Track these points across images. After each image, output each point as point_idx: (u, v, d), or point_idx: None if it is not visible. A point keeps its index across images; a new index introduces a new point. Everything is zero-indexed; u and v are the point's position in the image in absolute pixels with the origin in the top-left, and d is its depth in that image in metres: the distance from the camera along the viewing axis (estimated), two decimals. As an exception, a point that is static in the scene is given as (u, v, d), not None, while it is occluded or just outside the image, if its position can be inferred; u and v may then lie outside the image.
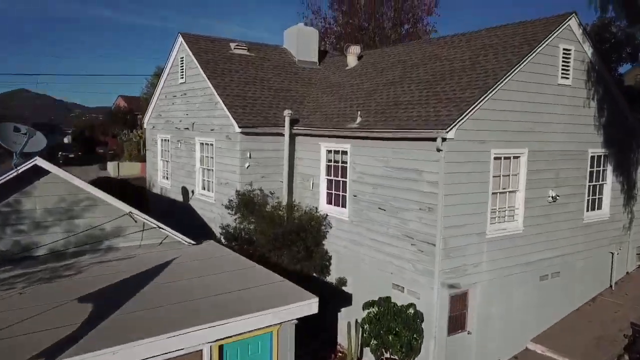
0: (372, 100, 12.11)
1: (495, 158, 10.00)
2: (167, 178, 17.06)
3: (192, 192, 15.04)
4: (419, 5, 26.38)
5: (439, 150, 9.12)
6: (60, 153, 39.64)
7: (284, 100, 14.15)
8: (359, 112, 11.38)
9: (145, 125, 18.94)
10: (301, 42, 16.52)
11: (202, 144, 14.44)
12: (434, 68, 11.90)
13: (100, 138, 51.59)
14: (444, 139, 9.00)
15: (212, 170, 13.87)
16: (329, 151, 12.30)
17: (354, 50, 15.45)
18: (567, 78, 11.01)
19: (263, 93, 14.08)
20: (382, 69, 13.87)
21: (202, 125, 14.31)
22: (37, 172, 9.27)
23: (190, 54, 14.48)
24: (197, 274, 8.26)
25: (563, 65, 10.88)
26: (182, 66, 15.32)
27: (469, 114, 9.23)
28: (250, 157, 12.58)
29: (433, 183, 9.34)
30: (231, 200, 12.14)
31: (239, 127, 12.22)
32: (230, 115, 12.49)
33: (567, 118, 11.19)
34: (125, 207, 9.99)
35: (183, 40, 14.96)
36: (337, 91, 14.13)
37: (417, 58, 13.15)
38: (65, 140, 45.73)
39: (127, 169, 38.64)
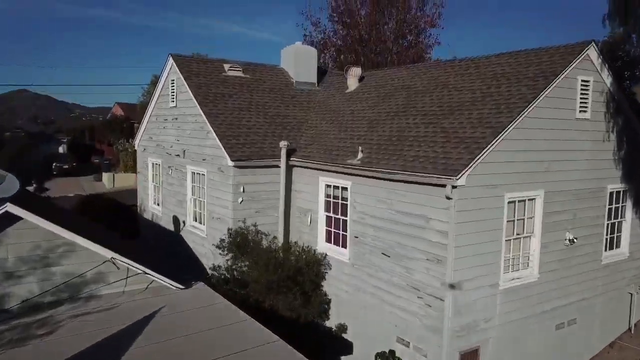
0: (375, 133, 11.28)
1: (509, 202, 9.17)
2: (158, 204, 16.24)
3: (184, 222, 14.22)
4: (422, 17, 25.56)
5: (448, 198, 8.30)
6: (54, 164, 38.76)
7: (281, 127, 13.33)
8: (360, 148, 10.55)
9: (136, 147, 18.12)
10: (299, 62, 15.69)
11: (194, 173, 13.63)
12: (441, 98, 11.07)
13: (97, 146, 50.82)
14: (453, 186, 8.18)
15: (204, 202, 13.05)
16: (328, 186, 11.48)
17: (354, 73, 14.62)
18: (586, 111, 10.17)
19: (258, 120, 13.26)
20: (384, 94, 13.04)
21: (193, 153, 13.49)
22: (9, 219, 8.44)
23: (181, 77, 13.65)
24: (183, 331, 7.43)
25: (581, 98, 10.05)
26: (173, 89, 14.50)
27: (481, 158, 8.40)
28: (243, 192, 11.76)
29: (442, 233, 8.51)
30: (222, 239, 11.31)
31: (232, 160, 11.40)
32: (222, 147, 11.67)
33: (585, 154, 10.35)
34: (107, 253, 9.13)
35: (174, 62, 14.13)
36: (337, 118, 13.30)
37: (422, 84, 12.32)
38: (60, 149, 44.87)
39: (122, 181, 37.84)
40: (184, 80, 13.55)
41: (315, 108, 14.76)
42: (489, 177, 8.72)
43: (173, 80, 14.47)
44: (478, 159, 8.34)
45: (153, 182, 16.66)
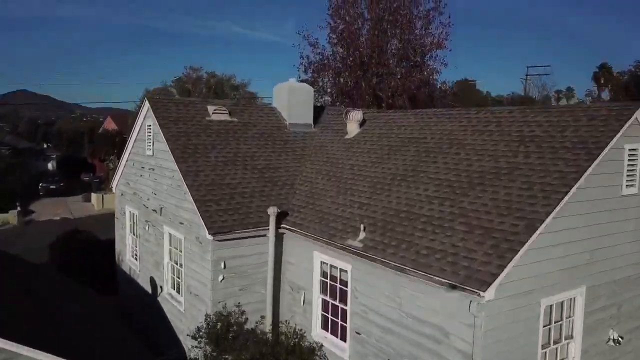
0: (379, 201, 9.58)
1: (546, 307, 7.48)
2: (136, 258, 14.53)
3: (161, 287, 12.52)
4: (427, 36, 23.85)
5: (473, 314, 6.61)
6: (40, 184, 36.99)
7: (271, 184, 11.64)
8: (362, 226, 8.85)
9: (114, 189, 16.43)
10: (293, 101, 13.99)
11: (172, 235, 11.93)
12: (458, 163, 9.35)
13: (89, 160, 49.10)
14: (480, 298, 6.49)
15: (182, 271, 11.35)
16: (325, 263, 9.78)
17: (354, 117, 12.91)
18: (633, 185, 8.47)
19: (245, 175, 11.56)
20: (389, 147, 11.35)
21: (171, 213, 11.80)
22: None
23: (157, 124, 11.96)
24: None
25: (629, 171, 8.36)
26: (150, 136, 12.80)
27: (513, 263, 6.70)
28: (225, 268, 10.06)
29: (465, 354, 6.81)
30: (199, 328, 9.60)
31: (211, 233, 9.70)
32: (200, 216, 9.97)
33: (631, 235, 8.65)
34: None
35: (150, 107, 12.43)
36: (335, 173, 11.61)
37: (433, 139, 10.61)
38: (50, 166, 43.07)
39: (111, 201, 35.96)
40: (160, 128, 11.86)
41: (311, 156, 13.07)
42: (523, 283, 7.03)
43: (149, 125, 12.78)
44: (510, 263, 6.64)
45: (131, 232, 14.96)
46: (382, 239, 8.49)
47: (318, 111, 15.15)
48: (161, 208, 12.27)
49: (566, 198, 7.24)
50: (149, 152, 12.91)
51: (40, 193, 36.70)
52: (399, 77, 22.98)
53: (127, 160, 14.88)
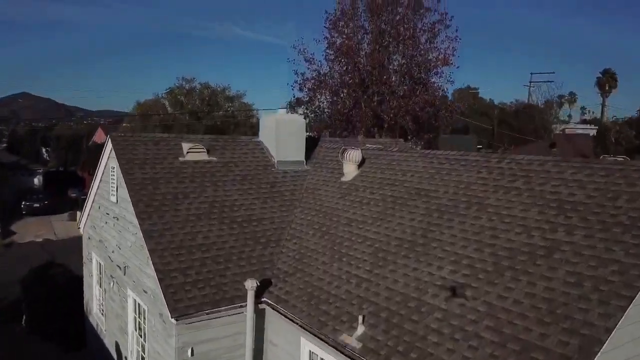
0: (382, 279, 7.77)
1: None
2: (102, 314, 12.72)
3: (126, 358, 10.70)
4: (432, 50, 22.03)
5: None
6: (23, 203, 35.14)
7: (253, 241, 9.84)
8: (360, 318, 7.03)
9: (81, 231, 14.65)
10: (282, 135, 12.17)
11: (136, 302, 10.12)
12: (478, 230, 7.53)
13: (79, 172, 47.24)
14: None
15: (147, 348, 9.53)
16: (314, 354, 7.95)
17: (352, 157, 11.09)
18: None
19: (222, 232, 9.75)
20: (393, 198, 9.53)
21: (135, 276, 9.99)
22: None
23: (120, 169, 10.17)
24: None
25: (701, 253, 6.52)
26: (114, 179, 11.00)
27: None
28: (192, 355, 8.23)
29: None
30: None
31: (174, 317, 7.88)
32: (162, 293, 8.15)
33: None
34: None
35: (113, 147, 10.63)
36: (329, 228, 9.80)
37: (447, 193, 8.78)
38: (36, 181, 41.19)
39: (99, 221, 34.33)
40: (122, 174, 10.06)
41: (301, 201, 11.27)
42: None
43: (113, 167, 10.98)
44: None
45: (98, 284, 13.16)
46: (386, 339, 6.66)
47: (311, 142, 13.35)
48: (125, 267, 10.47)
49: (631, 306, 5.42)
50: (113, 199, 11.11)
51: (23, 212, 34.88)
52: (401, 94, 21.14)
53: (93, 202, 13.09)
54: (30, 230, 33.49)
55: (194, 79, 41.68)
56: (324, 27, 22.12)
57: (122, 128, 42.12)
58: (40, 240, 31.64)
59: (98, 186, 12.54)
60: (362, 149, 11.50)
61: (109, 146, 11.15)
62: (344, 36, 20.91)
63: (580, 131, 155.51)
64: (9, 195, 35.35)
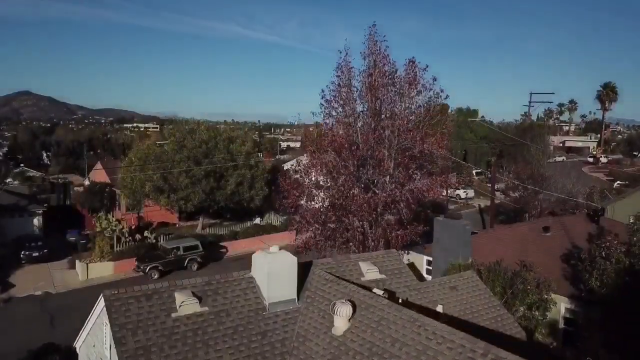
0: None
1: None
2: None
3: None
4: (420, 126, 22.03)
5: None
6: (23, 252, 35.27)
7: (243, 414, 9.98)
8: None
9: (78, 350, 14.78)
10: (273, 275, 12.31)
11: None
12: None
13: (78, 208, 47.42)
14: None
15: None
16: None
17: (342, 313, 11.24)
18: None
19: (212, 407, 9.90)
20: (382, 351, 9.67)
21: None
22: None
23: (112, 337, 10.31)
24: None
25: None
26: (107, 338, 11.14)
27: None
28: None
29: None
30: None
31: None
32: None
33: None
34: None
35: (105, 310, 10.78)
36: (318, 403, 9.94)
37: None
38: (35, 222, 41.32)
39: (97, 271, 34.48)
40: (115, 344, 10.21)
41: (292, 352, 11.40)
42: None
43: (105, 324, 11.12)
44: None
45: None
46: None
47: (304, 268, 13.51)
48: None
49: None
50: (107, 353, 11.26)
51: (23, 262, 35.09)
52: (396, 181, 21.17)
53: (87, 334, 13.24)
54: (29, 280, 33.67)
55: (197, 120, 42.20)
56: (320, 104, 22.29)
57: (120, 179, 42.13)
58: (40, 293, 31.80)
59: (91, 327, 12.68)
60: (351, 301, 11.65)
61: (100, 305, 11.32)
62: (335, 122, 21.15)
63: (580, 144, 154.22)
64: (8, 246, 35.55)
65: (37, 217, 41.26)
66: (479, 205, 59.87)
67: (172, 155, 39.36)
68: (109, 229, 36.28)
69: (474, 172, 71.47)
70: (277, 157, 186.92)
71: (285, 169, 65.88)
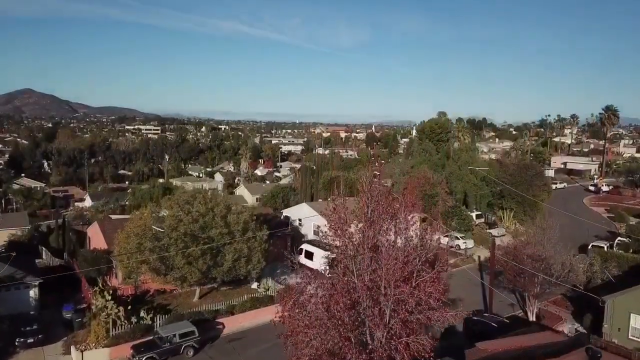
0: None
1: None
2: None
3: None
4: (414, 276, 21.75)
5: None
6: (17, 340, 35.04)
7: None
8: None
9: None
10: None
11: None
12: None
13: (76, 268, 47.19)
14: None
15: None
16: None
17: None
18: None
19: None
20: None
21: None
22: None
23: None
24: None
25: None
26: None
27: None
28: None
29: None
30: None
31: None
32: None
33: None
34: None
35: None
36: None
37: None
38: (32, 294, 41.12)
39: (93, 358, 34.40)
40: None
41: None
42: None
43: None
44: None
45: None
46: None
47: None
48: None
49: None
50: None
51: (18, 350, 34.94)
52: (390, 331, 20.95)
53: None
54: (24, 371, 33.54)
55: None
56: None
57: (119, 239, 41.95)
58: (33, 392, 31.63)
59: None
60: None
61: None
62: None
63: (581, 166, 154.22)
64: (2, 330, 35.20)
65: (33, 289, 41.08)
66: (478, 257, 59.47)
67: (169, 232, 39.13)
68: (104, 313, 36.13)
69: (473, 215, 70.98)
70: (278, 164, 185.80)
71: (284, 215, 65.69)
